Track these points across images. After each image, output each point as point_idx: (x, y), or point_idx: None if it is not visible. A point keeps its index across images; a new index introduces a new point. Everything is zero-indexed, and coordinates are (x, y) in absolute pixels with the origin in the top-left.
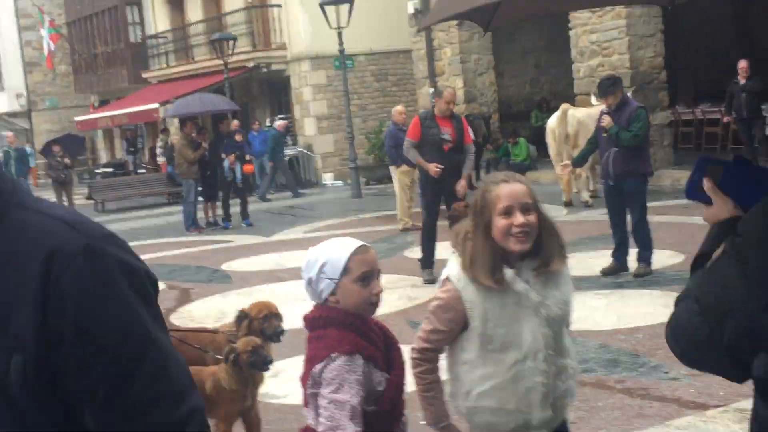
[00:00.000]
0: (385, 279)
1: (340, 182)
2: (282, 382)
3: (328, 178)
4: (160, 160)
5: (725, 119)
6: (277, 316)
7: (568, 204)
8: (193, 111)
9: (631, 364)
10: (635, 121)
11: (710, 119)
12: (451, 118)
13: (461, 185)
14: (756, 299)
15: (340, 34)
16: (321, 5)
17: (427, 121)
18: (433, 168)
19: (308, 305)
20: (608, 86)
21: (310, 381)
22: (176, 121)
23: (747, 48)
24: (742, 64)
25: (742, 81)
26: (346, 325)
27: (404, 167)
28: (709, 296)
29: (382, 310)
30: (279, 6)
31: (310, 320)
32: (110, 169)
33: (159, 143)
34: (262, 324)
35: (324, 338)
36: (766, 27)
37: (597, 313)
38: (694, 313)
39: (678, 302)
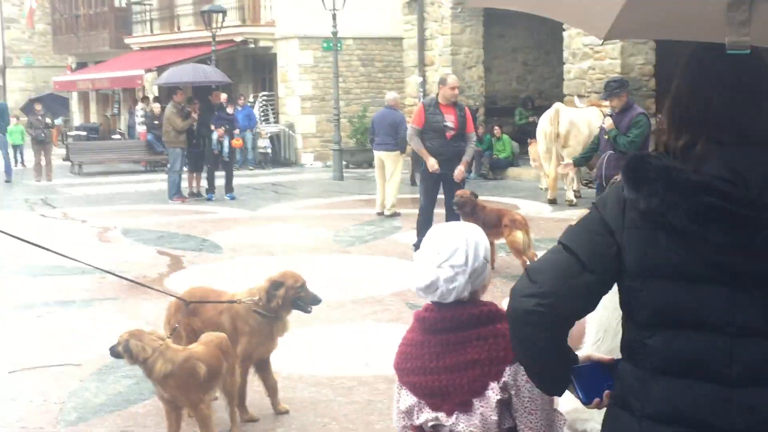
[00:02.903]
0: (378, 261)
1: (319, 164)
2: (286, 353)
3: (307, 158)
4: (140, 128)
5: None
6: (307, 285)
7: (553, 202)
8: (185, 80)
9: None
10: (634, 127)
11: None
12: (455, 106)
13: (459, 170)
14: (615, 240)
15: (334, 16)
16: None
17: (431, 108)
18: (431, 164)
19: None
20: (614, 88)
21: (498, 385)
22: (155, 89)
23: None
24: None
25: None
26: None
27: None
28: (581, 236)
29: (379, 292)
30: None
31: (476, 317)
32: (83, 132)
33: (139, 111)
34: (298, 293)
35: (499, 336)
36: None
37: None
38: (565, 257)
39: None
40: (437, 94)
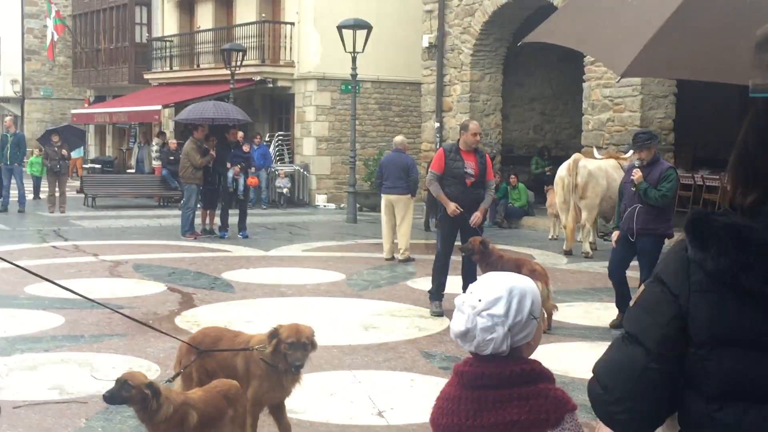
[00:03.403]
0: (391, 307)
1: (332, 205)
2: (297, 399)
3: (321, 199)
4: (155, 163)
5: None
6: (304, 347)
7: (569, 253)
8: (207, 117)
9: None
10: (665, 181)
11: (709, 186)
12: (475, 152)
13: (476, 216)
14: (679, 306)
15: (354, 59)
16: (339, 28)
17: (452, 154)
18: (452, 208)
19: (317, 322)
20: (645, 140)
21: None
22: (171, 124)
23: None
24: None
25: None
26: (551, 376)
27: None
28: (640, 319)
29: (392, 338)
30: (292, 24)
31: (518, 375)
32: (98, 165)
33: (154, 146)
34: (287, 349)
35: (540, 396)
36: None
37: None
38: (628, 346)
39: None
40: (458, 140)
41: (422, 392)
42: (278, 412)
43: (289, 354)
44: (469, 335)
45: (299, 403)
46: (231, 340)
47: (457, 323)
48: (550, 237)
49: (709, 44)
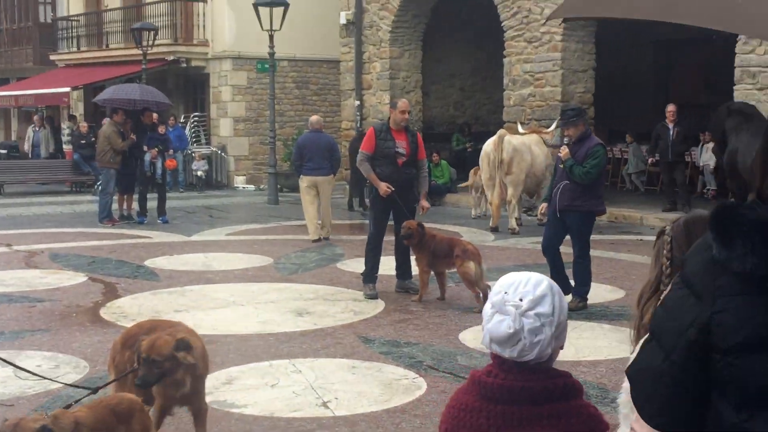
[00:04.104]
0: (323, 291)
1: (251, 187)
2: (238, 391)
3: (240, 181)
4: (66, 147)
5: (650, 160)
6: (152, 363)
7: (495, 230)
8: (133, 98)
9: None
10: (591, 158)
11: (627, 159)
12: (406, 131)
13: (424, 204)
14: (701, 311)
15: (271, 37)
16: (255, 5)
17: (383, 134)
18: (384, 188)
19: (249, 309)
20: (571, 117)
21: None
22: (80, 106)
23: (665, 94)
24: (671, 107)
25: (670, 124)
26: (581, 389)
27: None
28: (662, 320)
29: (328, 324)
30: (204, 1)
31: (550, 391)
32: (4, 151)
33: (65, 129)
34: (140, 364)
35: (572, 415)
36: (685, 73)
37: None
38: (652, 346)
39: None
40: (388, 119)
41: (365, 379)
42: (194, 411)
43: (140, 369)
44: (513, 338)
45: (241, 396)
46: (166, 329)
47: (501, 326)
48: (473, 216)
49: None
